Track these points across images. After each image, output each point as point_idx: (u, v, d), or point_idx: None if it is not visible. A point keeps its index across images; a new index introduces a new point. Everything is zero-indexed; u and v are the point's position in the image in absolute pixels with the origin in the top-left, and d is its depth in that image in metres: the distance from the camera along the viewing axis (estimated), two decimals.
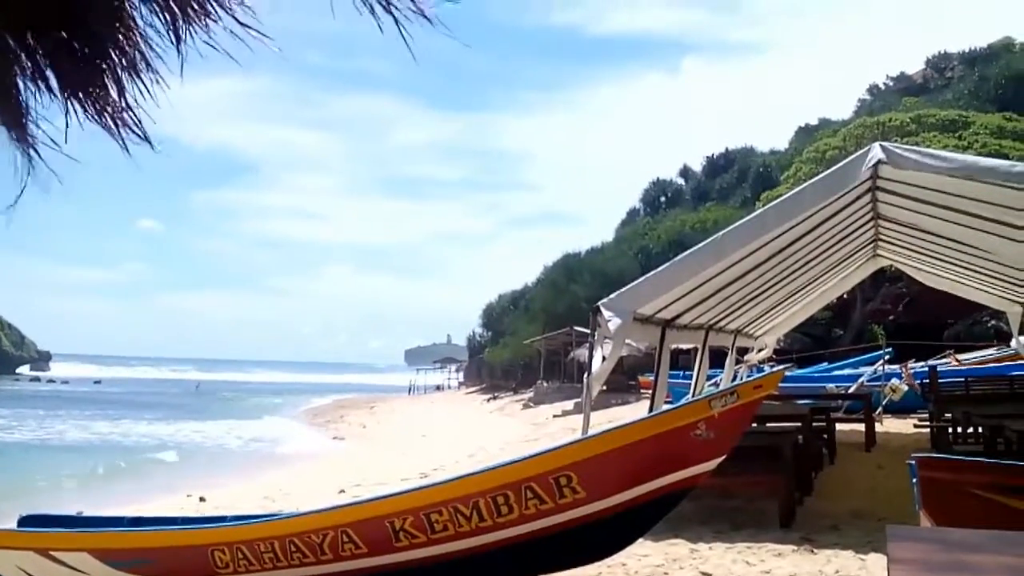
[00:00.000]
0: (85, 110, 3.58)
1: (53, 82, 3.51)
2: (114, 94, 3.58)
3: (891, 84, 56.90)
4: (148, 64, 3.57)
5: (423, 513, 5.57)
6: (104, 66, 3.41)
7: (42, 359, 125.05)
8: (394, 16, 3.12)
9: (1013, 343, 17.96)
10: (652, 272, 8.23)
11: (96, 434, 33.04)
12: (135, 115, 3.57)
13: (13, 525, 6.87)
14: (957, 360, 20.55)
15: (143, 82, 3.57)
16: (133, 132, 3.61)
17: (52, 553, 6.18)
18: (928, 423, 13.56)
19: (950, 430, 12.20)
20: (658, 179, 67.58)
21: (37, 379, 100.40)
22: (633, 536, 6.03)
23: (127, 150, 3.62)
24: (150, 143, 3.61)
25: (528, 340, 47.10)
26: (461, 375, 77.27)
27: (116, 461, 23.03)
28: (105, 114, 3.58)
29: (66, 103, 3.46)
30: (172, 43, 3.32)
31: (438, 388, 75.48)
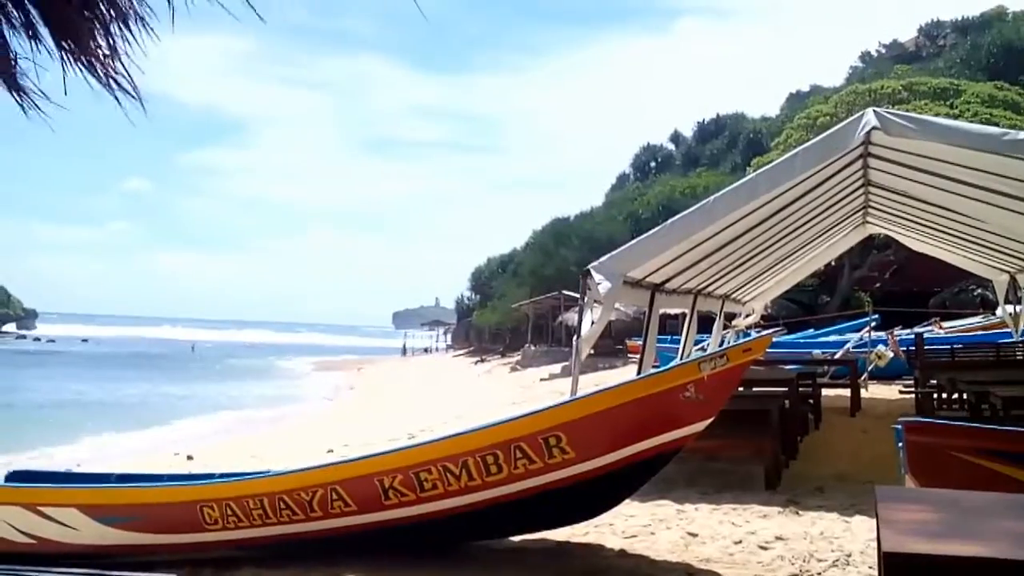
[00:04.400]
0: (76, 61, 3.52)
1: (43, 31, 3.45)
2: (104, 46, 3.52)
3: (883, 51, 56.70)
4: (138, 15, 3.51)
5: (413, 471, 5.60)
6: (94, 15, 3.35)
7: (28, 317, 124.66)
8: None
9: (999, 311, 18.07)
10: (643, 236, 8.22)
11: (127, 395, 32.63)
12: (125, 68, 3.52)
13: (0, 481, 6.86)
14: (941, 327, 20.67)
15: (132, 34, 3.52)
16: (123, 86, 3.55)
17: (40, 508, 6.19)
18: (913, 389, 13.66)
19: (935, 396, 12.30)
20: (648, 144, 67.47)
21: (23, 337, 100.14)
22: (621, 497, 6.09)
23: (119, 102, 3.57)
24: (139, 99, 3.55)
25: (516, 304, 47.15)
26: (449, 338, 77.41)
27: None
28: (95, 66, 3.53)
29: (59, 53, 3.40)
30: None
31: (426, 351, 75.64)
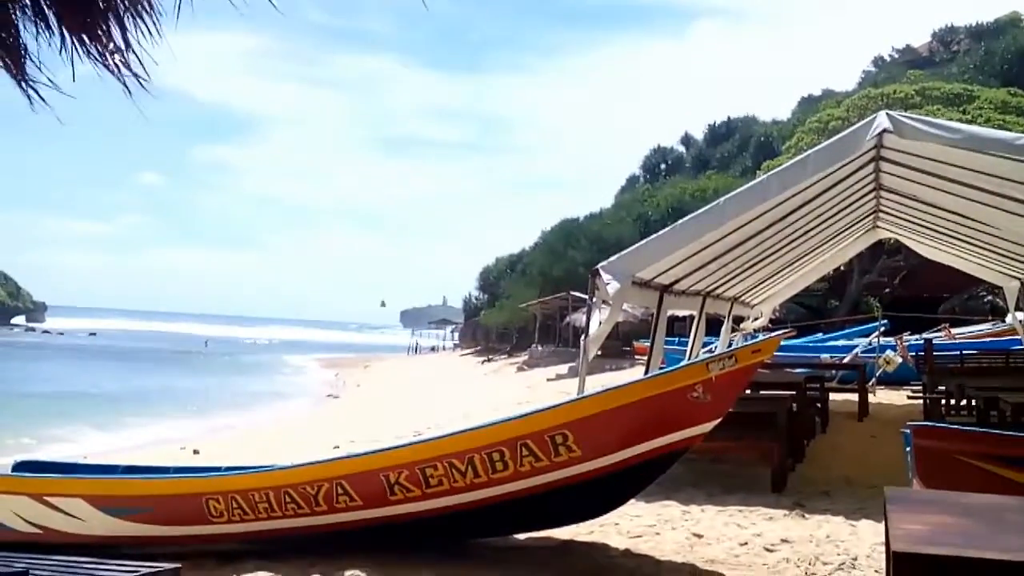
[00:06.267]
0: (88, 52, 3.50)
1: (53, 21, 3.44)
2: (117, 36, 3.51)
3: (896, 56, 56.54)
4: (151, 7, 3.50)
5: (418, 467, 5.59)
6: (108, 5, 3.34)
7: (37, 310, 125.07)
8: None
9: (1009, 318, 17.96)
10: (653, 236, 8.19)
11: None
12: (138, 57, 3.50)
13: (8, 471, 6.87)
14: (951, 334, 20.59)
15: (145, 24, 3.51)
16: (134, 75, 3.54)
17: (47, 499, 6.20)
18: (921, 394, 13.61)
19: (943, 402, 12.25)
20: (659, 146, 67.39)
21: (32, 330, 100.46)
22: (626, 496, 6.07)
23: (129, 92, 3.56)
24: (143, 86, 3.51)
25: (524, 304, 47.11)
26: (456, 337, 77.42)
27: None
28: (106, 55, 3.51)
29: (70, 43, 3.39)
30: None
31: (433, 349, 75.68)
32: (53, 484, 6.38)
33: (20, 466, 7.02)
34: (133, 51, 3.51)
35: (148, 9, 3.51)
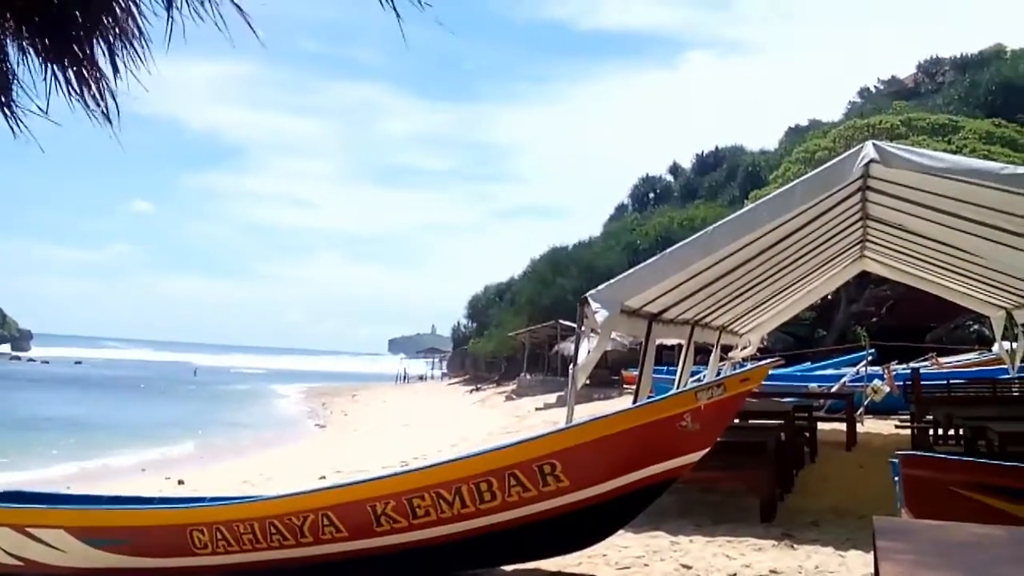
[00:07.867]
0: (70, 85, 3.47)
1: (40, 49, 3.43)
2: (104, 64, 3.50)
3: (882, 87, 57.00)
4: (140, 32, 3.50)
5: (405, 498, 5.54)
6: (98, 32, 3.33)
7: (23, 338, 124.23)
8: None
9: (995, 347, 18.03)
10: (641, 265, 8.21)
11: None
12: (109, 88, 3.48)
13: None
14: (938, 363, 20.64)
15: (136, 51, 3.50)
16: (117, 105, 3.52)
17: (28, 530, 6.12)
18: (909, 424, 13.62)
19: (931, 431, 12.26)
20: (647, 175, 67.76)
21: (17, 358, 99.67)
22: (615, 526, 6.03)
23: (110, 122, 3.54)
24: (110, 122, 3.48)
25: (513, 332, 47.08)
26: (444, 366, 77.25)
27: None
28: (90, 84, 3.50)
29: (57, 72, 3.38)
30: (164, 6, 3.24)
31: (421, 378, 75.43)
32: (35, 515, 6.30)
33: (2, 496, 6.93)
34: (120, 78, 3.50)
35: (139, 38, 3.51)
